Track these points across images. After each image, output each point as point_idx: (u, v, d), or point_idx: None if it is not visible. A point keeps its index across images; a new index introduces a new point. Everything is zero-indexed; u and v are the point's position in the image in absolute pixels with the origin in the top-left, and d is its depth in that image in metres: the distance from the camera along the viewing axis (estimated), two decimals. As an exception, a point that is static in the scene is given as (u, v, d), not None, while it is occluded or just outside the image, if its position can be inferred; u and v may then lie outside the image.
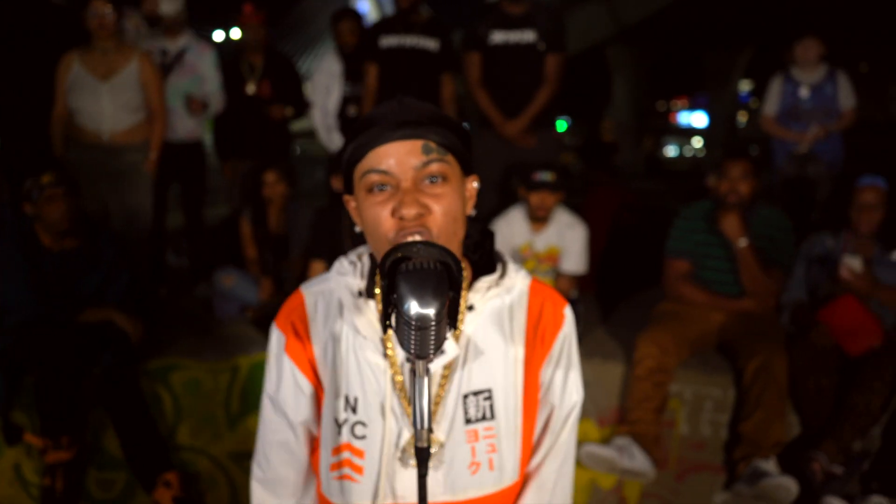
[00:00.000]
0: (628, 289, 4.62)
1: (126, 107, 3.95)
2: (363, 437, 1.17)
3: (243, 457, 3.28)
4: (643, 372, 3.14)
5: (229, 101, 4.52)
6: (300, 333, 1.22)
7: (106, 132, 3.93)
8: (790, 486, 2.76)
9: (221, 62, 4.55)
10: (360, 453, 1.17)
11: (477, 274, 1.21)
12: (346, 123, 4.57)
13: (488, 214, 3.96)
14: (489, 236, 1.24)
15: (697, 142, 31.96)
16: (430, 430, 0.98)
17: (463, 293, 1.17)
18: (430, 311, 0.89)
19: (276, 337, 1.25)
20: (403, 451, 1.16)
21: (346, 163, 1.15)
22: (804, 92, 4.51)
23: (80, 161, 3.90)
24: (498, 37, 4.13)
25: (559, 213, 3.68)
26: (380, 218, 1.08)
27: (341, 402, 1.18)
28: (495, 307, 1.19)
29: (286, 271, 4.13)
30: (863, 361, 3.01)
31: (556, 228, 3.66)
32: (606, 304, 4.36)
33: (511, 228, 3.69)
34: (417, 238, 1.05)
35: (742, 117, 25.04)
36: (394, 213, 1.07)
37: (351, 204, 1.18)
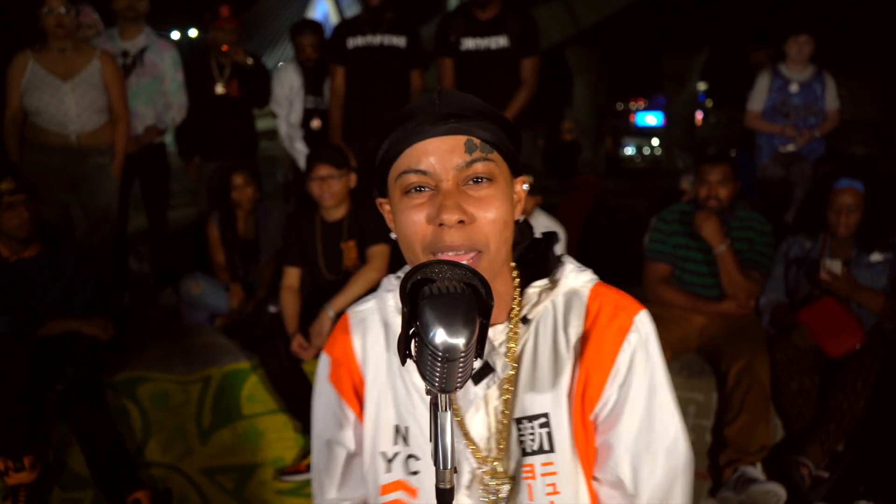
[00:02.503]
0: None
1: (91, 107, 3.78)
2: (416, 473, 1.05)
3: (216, 472, 3.16)
4: (626, 377, 3.10)
5: (196, 101, 4.38)
6: (347, 358, 1.13)
7: (73, 133, 3.74)
8: (779, 492, 2.74)
9: (187, 61, 4.41)
10: (413, 492, 1.05)
11: (527, 278, 1.08)
12: (310, 135, 4.47)
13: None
14: (545, 239, 1.12)
15: (655, 141, 32.52)
16: (455, 470, 0.88)
17: (515, 302, 1.06)
18: (460, 342, 0.79)
19: (323, 363, 1.17)
20: (468, 486, 1.03)
21: (379, 162, 1.03)
22: (794, 87, 4.50)
23: (41, 164, 3.71)
24: (469, 43, 4.06)
25: (537, 216, 3.63)
26: (417, 224, 0.97)
27: (390, 433, 1.08)
28: (550, 316, 1.06)
29: (256, 277, 4.01)
30: (844, 363, 3.01)
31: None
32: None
33: (489, 232, 3.63)
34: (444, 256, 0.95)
35: (698, 117, 25.49)
36: (432, 218, 0.95)
37: (385, 208, 1.07)
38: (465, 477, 1.03)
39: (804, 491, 2.80)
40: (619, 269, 4.75)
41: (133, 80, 4.22)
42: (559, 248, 3.64)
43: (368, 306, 1.15)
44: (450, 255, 0.96)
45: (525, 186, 1.06)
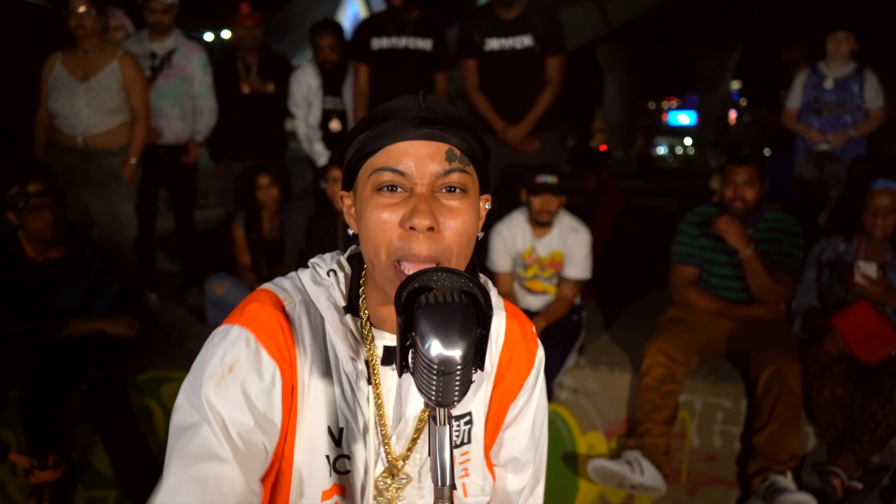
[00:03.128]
0: (629, 293, 4.53)
1: (102, 108, 3.75)
2: (346, 473, 1.04)
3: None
4: (652, 382, 3.05)
5: (223, 100, 4.40)
6: (286, 345, 1.01)
7: (80, 135, 3.74)
8: (810, 502, 2.66)
9: (213, 62, 4.43)
10: (342, 491, 1.04)
11: None
12: (329, 136, 4.45)
13: (488, 220, 3.85)
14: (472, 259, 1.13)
15: (688, 141, 32.24)
16: (454, 487, 0.84)
17: None
18: (457, 354, 0.76)
19: (246, 339, 0.99)
20: (374, 486, 1.05)
21: (352, 154, 1.01)
22: (829, 84, 4.37)
23: (57, 165, 3.63)
24: (493, 44, 4.02)
25: (562, 217, 3.57)
26: (385, 223, 0.95)
27: (325, 434, 1.04)
28: None
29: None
30: (879, 370, 2.91)
31: (559, 233, 3.55)
32: (608, 310, 4.27)
33: (512, 233, 3.58)
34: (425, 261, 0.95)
35: (732, 116, 25.16)
36: (403, 221, 0.94)
37: (346, 201, 1.05)
38: (379, 471, 1.06)
39: (836, 502, 2.71)
40: (646, 271, 4.70)
41: (161, 81, 4.25)
42: (585, 247, 3.56)
43: (302, 297, 1.05)
44: (413, 265, 0.94)
45: (487, 206, 1.06)
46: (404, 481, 1.06)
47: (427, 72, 4.18)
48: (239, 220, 4.04)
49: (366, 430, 1.03)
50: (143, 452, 2.94)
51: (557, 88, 4.03)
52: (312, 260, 1.10)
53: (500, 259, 3.58)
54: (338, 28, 4.44)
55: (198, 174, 4.64)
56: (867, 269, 3.03)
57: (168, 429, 3.12)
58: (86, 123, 3.74)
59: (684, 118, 32.49)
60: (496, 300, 1.13)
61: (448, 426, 0.82)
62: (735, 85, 24.85)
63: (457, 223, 0.96)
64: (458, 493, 1.11)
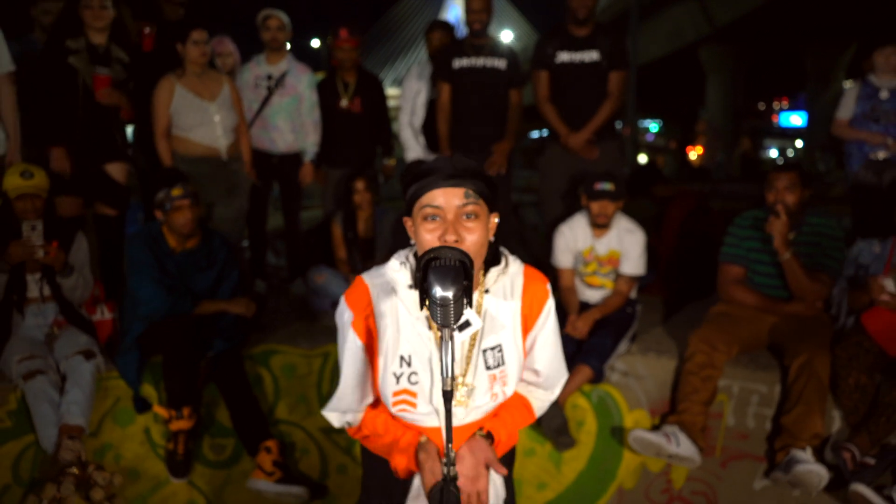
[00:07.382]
0: (696, 293, 4.81)
1: (230, 124, 4.45)
2: (416, 383, 1.67)
3: (332, 431, 3.75)
4: (693, 367, 3.42)
5: (325, 115, 5.01)
6: (365, 311, 1.68)
7: (223, 147, 4.40)
8: (821, 472, 2.99)
9: (319, 69, 5.05)
10: (414, 394, 1.67)
11: (488, 267, 1.70)
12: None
13: (554, 221, 4.32)
14: (496, 242, 1.71)
15: (800, 143, 31.05)
16: (454, 378, 1.41)
17: (481, 280, 1.68)
18: (449, 294, 1.35)
19: (346, 313, 1.70)
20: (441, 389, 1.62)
21: (409, 197, 1.62)
22: (884, 94, 4.53)
23: (192, 172, 4.21)
24: (564, 56, 4.48)
25: (619, 220, 3.98)
26: (429, 239, 1.55)
27: (397, 360, 1.66)
28: (501, 288, 1.71)
29: (372, 270, 4.59)
30: (902, 362, 3.18)
31: (616, 234, 3.96)
32: (669, 306, 4.61)
33: (575, 233, 4.02)
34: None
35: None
36: (440, 237, 1.54)
37: (408, 223, 1.65)
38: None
39: (846, 474, 3.02)
40: (714, 273, 4.96)
41: (275, 99, 4.91)
42: (639, 247, 3.94)
43: (382, 279, 1.70)
44: None
45: (496, 220, 1.66)
46: (467, 389, 1.67)
47: (502, 88, 4.68)
48: (337, 219, 4.65)
49: (430, 357, 1.65)
50: (255, 410, 3.55)
51: (617, 101, 4.48)
52: (396, 253, 1.73)
53: (563, 257, 4.03)
54: (448, 26, 5.10)
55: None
56: (887, 284, 3.29)
57: (274, 393, 3.80)
58: (223, 137, 4.41)
59: (796, 119, 31.35)
60: (516, 267, 1.73)
61: (451, 341, 1.40)
62: (849, 84, 23.81)
63: (472, 237, 1.55)
64: (499, 395, 1.71)
